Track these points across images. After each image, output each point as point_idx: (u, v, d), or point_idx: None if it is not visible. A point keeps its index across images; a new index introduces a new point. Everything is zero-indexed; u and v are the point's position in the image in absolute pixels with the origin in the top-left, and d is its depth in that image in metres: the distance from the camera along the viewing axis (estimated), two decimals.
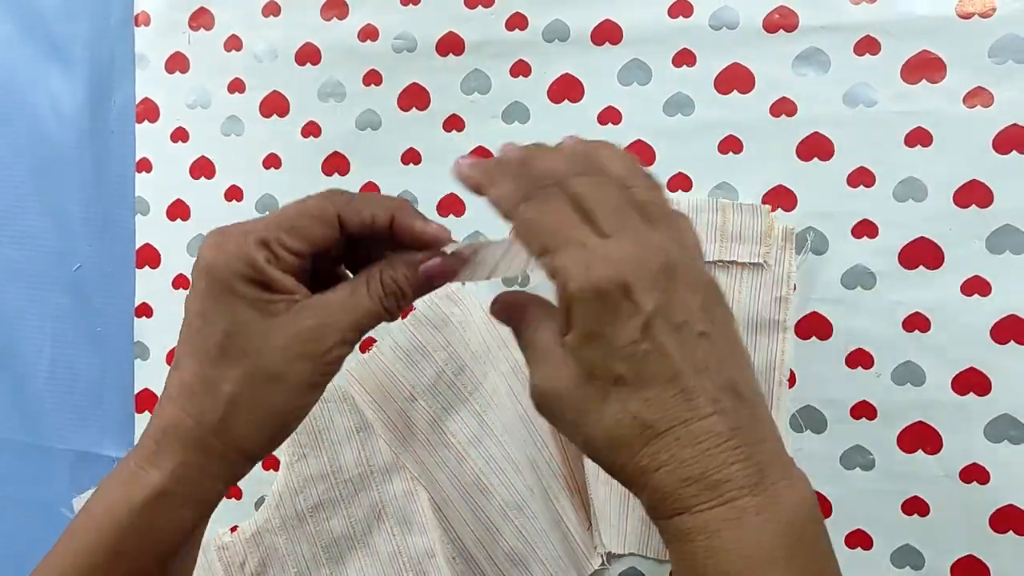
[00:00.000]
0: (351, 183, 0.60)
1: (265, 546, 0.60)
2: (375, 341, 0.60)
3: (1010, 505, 0.51)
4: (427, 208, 0.59)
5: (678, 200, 0.55)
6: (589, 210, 0.35)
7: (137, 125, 0.64)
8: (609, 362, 0.35)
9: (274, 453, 0.53)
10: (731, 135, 0.54)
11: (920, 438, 0.52)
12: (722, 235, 0.54)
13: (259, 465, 0.42)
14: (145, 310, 0.64)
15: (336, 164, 0.61)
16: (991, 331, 0.51)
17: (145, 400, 0.64)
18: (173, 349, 0.63)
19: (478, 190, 0.39)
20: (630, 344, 0.34)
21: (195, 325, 0.39)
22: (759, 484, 0.33)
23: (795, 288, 0.53)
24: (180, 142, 0.64)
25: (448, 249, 0.41)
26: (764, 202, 0.54)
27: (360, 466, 0.59)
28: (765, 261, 0.53)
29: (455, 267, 0.41)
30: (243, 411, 0.39)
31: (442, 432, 0.58)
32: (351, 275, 0.43)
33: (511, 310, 0.40)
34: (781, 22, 0.53)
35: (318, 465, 0.59)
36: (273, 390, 0.39)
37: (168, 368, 0.60)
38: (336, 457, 0.59)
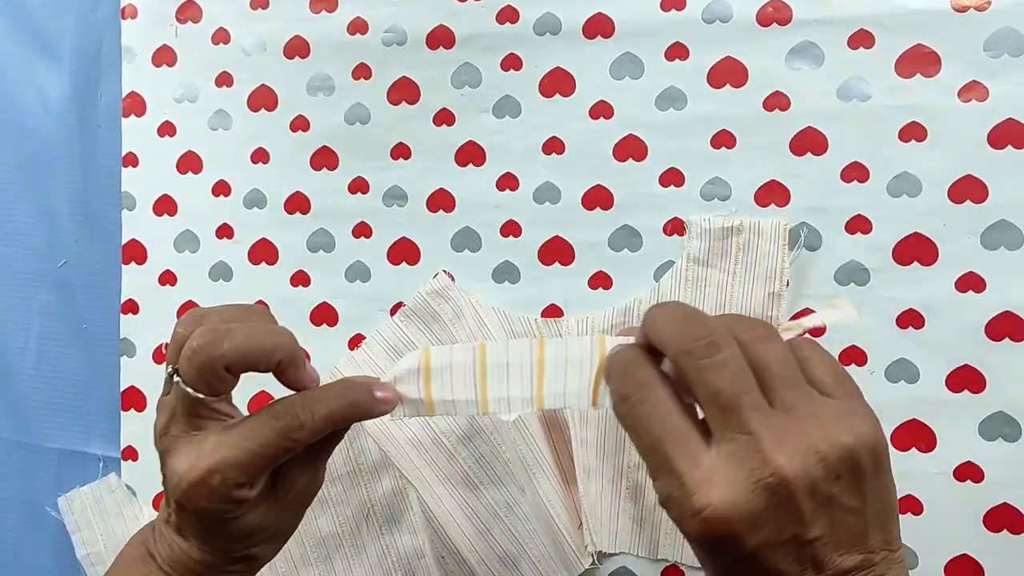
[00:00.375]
0: (340, 178, 0.60)
1: None
2: (364, 338, 0.59)
3: (1004, 504, 0.51)
4: (417, 203, 0.59)
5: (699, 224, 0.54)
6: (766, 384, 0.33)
7: (124, 119, 0.64)
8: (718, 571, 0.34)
9: None
10: (724, 129, 0.54)
11: (914, 436, 0.52)
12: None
13: None
14: (131, 306, 0.64)
15: (325, 159, 0.60)
16: (986, 328, 0.51)
17: (130, 398, 0.64)
18: (159, 346, 0.63)
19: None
20: (733, 570, 0.33)
21: (202, 536, 0.41)
22: None
23: (788, 284, 0.52)
24: (167, 136, 0.63)
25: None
26: (757, 198, 0.53)
27: (348, 464, 0.58)
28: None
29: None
30: (265, 550, 0.43)
31: (431, 430, 0.57)
32: None
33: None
34: (775, 15, 0.53)
35: None
36: (287, 532, 0.44)
37: (154, 365, 0.60)
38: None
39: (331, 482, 0.59)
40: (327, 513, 0.59)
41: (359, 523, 0.59)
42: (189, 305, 0.62)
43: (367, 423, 0.57)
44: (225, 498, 0.39)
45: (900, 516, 0.50)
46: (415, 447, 0.57)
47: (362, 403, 0.40)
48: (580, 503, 0.55)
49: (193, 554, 0.41)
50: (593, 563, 0.56)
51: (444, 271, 0.58)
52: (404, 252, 0.59)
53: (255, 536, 0.41)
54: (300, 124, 0.61)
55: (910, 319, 0.52)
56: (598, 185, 0.56)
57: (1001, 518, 0.51)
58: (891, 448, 0.51)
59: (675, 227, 0.55)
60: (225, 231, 0.62)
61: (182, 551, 0.41)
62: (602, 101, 0.56)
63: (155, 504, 0.63)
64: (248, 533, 0.41)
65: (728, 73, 0.54)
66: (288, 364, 0.40)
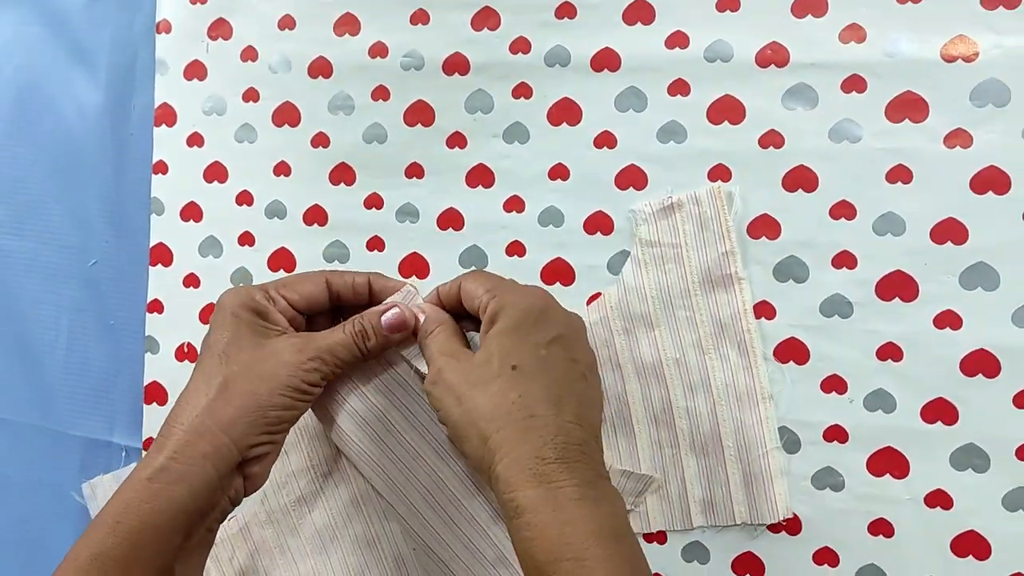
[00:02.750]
0: (356, 194, 0.63)
1: (253, 540, 0.63)
2: None
3: (971, 531, 0.53)
4: (428, 221, 0.62)
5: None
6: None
7: (155, 129, 0.67)
8: (514, 352, 0.47)
9: None
10: (720, 164, 0.56)
11: (889, 462, 0.54)
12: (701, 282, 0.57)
13: None
14: (156, 306, 0.67)
15: (343, 174, 0.63)
16: (960, 364, 0.53)
17: (153, 392, 0.67)
18: (182, 344, 0.66)
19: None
20: (535, 346, 0.48)
21: (205, 343, 0.52)
22: (595, 482, 0.44)
23: (735, 248, 0.56)
24: (195, 147, 0.66)
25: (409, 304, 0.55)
26: (749, 230, 0.56)
27: (339, 459, 0.62)
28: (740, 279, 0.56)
29: (408, 319, 0.53)
30: (231, 396, 0.49)
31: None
32: None
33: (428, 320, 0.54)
34: (773, 57, 0.55)
35: (299, 460, 0.62)
36: (258, 383, 0.49)
37: (176, 362, 0.64)
38: (315, 452, 0.62)
39: (323, 476, 0.62)
40: (320, 506, 0.62)
41: (350, 514, 0.62)
42: (211, 307, 0.65)
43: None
44: (248, 296, 0.52)
45: (872, 538, 0.54)
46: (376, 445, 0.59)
47: (381, 284, 0.56)
48: None
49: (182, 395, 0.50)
50: None
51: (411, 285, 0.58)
52: (414, 266, 0.62)
53: (240, 343, 0.51)
54: (321, 140, 0.64)
55: (889, 352, 0.54)
56: (600, 211, 0.59)
57: (967, 544, 0.53)
58: (866, 472, 0.54)
59: None
60: (247, 239, 0.65)
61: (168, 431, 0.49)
62: (606, 131, 0.58)
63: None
64: (238, 337, 0.51)
65: (727, 110, 0.56)
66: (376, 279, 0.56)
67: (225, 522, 0.63)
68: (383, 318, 0.53)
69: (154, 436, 0.65)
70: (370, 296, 0.56)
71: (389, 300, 0.55)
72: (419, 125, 0.62)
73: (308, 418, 0.62)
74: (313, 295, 0.54)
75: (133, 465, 0.67)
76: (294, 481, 0.63)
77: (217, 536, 0.63)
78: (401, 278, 0.61)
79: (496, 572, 0.59)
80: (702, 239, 0.56)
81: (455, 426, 0.48)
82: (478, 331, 0.52)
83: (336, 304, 0.56)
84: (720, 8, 0.56)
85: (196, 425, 0.48)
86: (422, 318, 0.54)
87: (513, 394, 0.46)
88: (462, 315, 0.54)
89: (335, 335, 0.52)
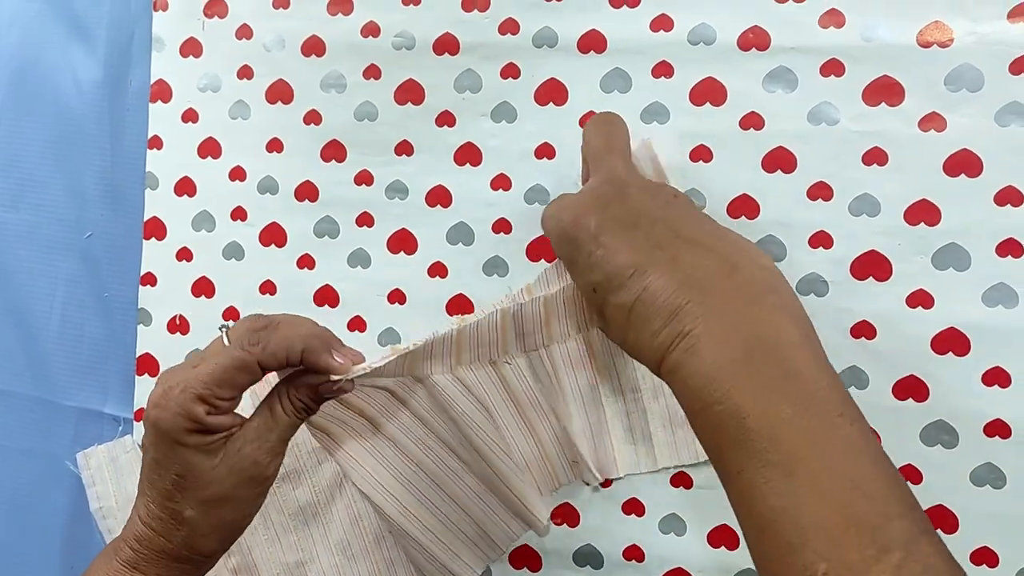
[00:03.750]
0: (347, 170, 0.64)
1: None
2: (363, 320, 0.64)
3: (940, 505, 0.55)
4: (416, 197, 0.63)
5: None
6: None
7: (151, 105, 0.68)
8: (584, 278, 0.46)
9: None
10: (702, 144, 0.58)
11: None
12: None
13: None
14: (150, 279, 0.68)
15: (334, 151, 0.64)
16: (931, 342, 0.54)
17: (145, 364, 0.69)
18: (174, 317, 0.67)
19: None
20: (588, 256, 0.45)
21: (152, 468, 0.47)
22: (704, 306, 0.40)
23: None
24: (190, 123, 0.68)
25: (350, 374, 0.48)
26: (729, 210, 0.57)
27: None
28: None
29: (347, 389, 0.50)
30: (202, 528, 0.47)
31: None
32: None
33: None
34: (754, 41, 0.57)
35: None
36: (225, 510, 0.47)
37: (167, 334, 0.65)
38: (299, 430, 0.63)
39: (308, 454, 0.63)
40: (304, 484, 0.64)
41: (333, 492, 0.64)
42: (203, 280, 0.67)
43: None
44: (186, 412, 0.44)
45: None
46: (347, 427, 0.60)
47: (314, 350, 0.47)
48: (573, 440, 0.59)
49: (139, 511, 0.48)
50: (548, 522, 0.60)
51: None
52: (403, 242, 0.63)
53: (202, 489, 0.46)
54: (313, 118, 0.65)
55: (863, 330, 0.55)
56: None
57: (936, 518, 0.55)
58: None
59: None
60: (239, 214, 0.67)
61: (134, 514, 0.48)
62: (592, 112, 0.60)
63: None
64: (190, 473, 0.46)
65: (709, 92, 0.58)
66: (309, 356, 0.47)
67: None
68: (323, 390, 0.49)
69: (145, 407, 0.68)
70: (300, 363, 0.48)
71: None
72: (409, 104, 0.63)
73: None
74: (247, 382, 0.47)
75: (127, 438, 0.69)
76: None
77: None
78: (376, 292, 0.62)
79: (476, 549, 0.61)
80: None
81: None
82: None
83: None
84: None
85: (178, 555, 0.48)
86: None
87: (609, 310, 0.45)
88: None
89: (277, 421, 0.48)
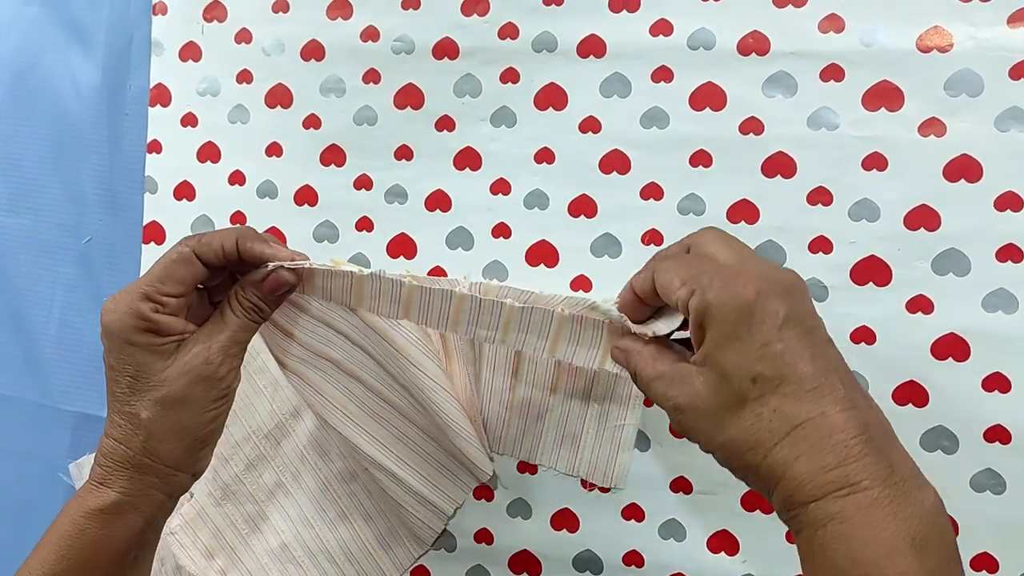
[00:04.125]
0: (346, 175, 0.64)
1: (212, 520, 0.65)
2: None
3: None
4: (416, 201, 0.63)
5: None
6: (710, 251, 0.44)
7: (150, 109, 0.68)
8: (748, 363, 0.39)
9: None
10: (702, 149, 0.58)
11: None
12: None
13: None
14: None
15: (333, 156, 0.64)
16: (931, 347, 0.54)
17: None
18: None
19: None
20: (764, 345, 0.39)
21: (110, 376, 0.48)
22: (890, 478, 0.37)
23: None
24: (189, 127, 0.67)
25: (295, 265, 0.49)
26: (728, 215, 0.57)
27: (274, 418, 0.64)
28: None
29: (290, 279, 0.49)
30: (160, 432, 0.47)
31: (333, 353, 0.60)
32: None
33: (627, 355, 0.46)
34: (754, 46, 0.57)
35: (240, 430, 0.65)
36: (180, 411, 0.47)
37: None
38: (252, 418, 0.64)
39: (264, 437, 0.64)
40: (269, 467, 0.65)
41: (297, 467, 0.65)
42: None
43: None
44: (133, 310, 0.46)
45: None
46: (319, 373, 0.60)
47: (248, 237, 0.48)
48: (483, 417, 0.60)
49: (106, 426, 0.48)
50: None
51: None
52: (402, 246, 0.63)
53: (155, 389, 0.47)
54: (312, 122, 0.65)
55: (863, 335, 0.55)
56: (584, 195, 0.60)
57: None
58: None
59: (652, 238, 0.59)
60: (239, 218, 0.66)
61: (103, 435, 0.48)
62: (591, 117, 0.60)
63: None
64: (143, 373, 0.47)
65: (708, 97, 0.58)
66: (244, 241, 0.48)
67: (180, 508, 0.65)
68: (265, 284, 0.49)
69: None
70: (239, 257, 0.49)
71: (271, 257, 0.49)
72: (409, 108, 0.63)
73: (240, 389, 0.63)
74: (192, 277, 0.48)
75: None
76: (239, 450, 0.65)
77: (176, 524, 0.65)
78: (389, 257, 0.64)
79: (454, 478, 0.61)
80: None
81: (721, 461, 0.42)
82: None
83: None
84: None
85: (138, 464, 0.47)
86: (620, 356, 0.47)
87: (767, 411, 0.39)
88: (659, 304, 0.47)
89: (227, 322, 0.49)
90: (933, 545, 0.37)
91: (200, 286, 0.50)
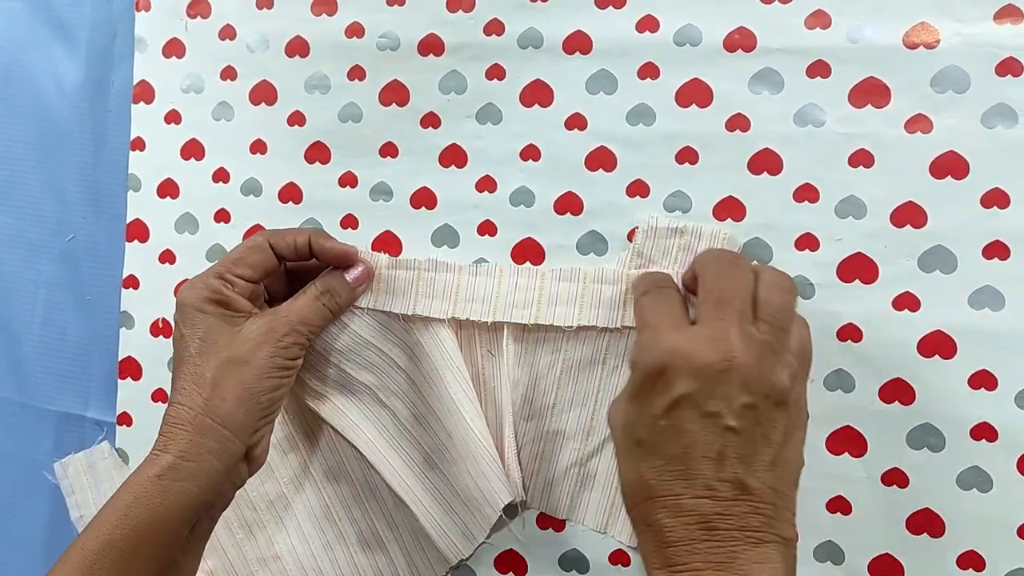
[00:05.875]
0: (331, 172, 0.64)
1: None
2: None
3: (926, 509, 0.54)
4: (401, 200, 0.62)
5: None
6: (705, 292, 0.46)
7: (133, 106, 0.68)
8: (637, 425, 0.44)
9: None
10: (688, 146, 0.57)
11: (847, 441, 0.55)
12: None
13: None
14: (132, 282, 0.68)
15: (318, 153, 0.64)
16: (918, 345, 0.54)
17: (128, 367, 0.68)
18: (157, 320, 0.67)
19: None
20: (653, 417, 0.43)
21: (179, 347, 0.53)
22: (725, 563, 0.40)
23: None
24: (173, 124, 0.67)
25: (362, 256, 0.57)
26: (715, 212, 0.57)
27: (283, 429, 0.64)
28: None
29: (372, 270, 0.58)
30: (223, 390, 0.50)
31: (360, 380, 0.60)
32: None
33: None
34: (740, 42, 0.56)
35: None
36: (243, 371, 0.51)
37: (151, 337, 0.65)
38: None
39: (272, 446, 0.63)
40: (272, 478, 0.64)
41: (300, 481, 0.64)
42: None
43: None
44: (206, 285, 0.53)
45: (830, 515, 0.55)
46: (347, 395, 0.61)
47: (319, 235, 0.57)
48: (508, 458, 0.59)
49: (172, 395, 0.52)
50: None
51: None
52: (387, 244, 0.63)
53: (223, 350, 0.52)
54: (297, 119, 0.64)
55: (849, 333, 0.55)
56: (570, 192, 0.59)
57: (923, 522, 0.55)
58: (825, 451, 0.55)
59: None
60: (223, 216, 0.66)
61: (169, 406, 0.51)
62: (577, 113, 0.59)
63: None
64: (211, 335, 0.52)
65: (695, 94, 0.57)
66: (316, 238, 0.56)
67: None
68: (349, 276, 0.56)
69: (128, 411, 0.67)
70: (311, 253, 0.56)
71: (342, 252, 0.57)
72: (394, 105, 0.63)
73: None
74: (264, 264, 0.55)
75: (104, 444, 0.68)
76: None
77: None
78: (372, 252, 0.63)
79: (464, 528, 0.60)
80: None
81: None
82: None
83: (290, 262, 0.58)
84: None
85: (199, 424, 0.49)
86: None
87: (635, 473, 0.44)
88: None
89: (302, 304, 0.54)
90: None
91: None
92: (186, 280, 0.54)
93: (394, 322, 0.59)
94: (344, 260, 0.57)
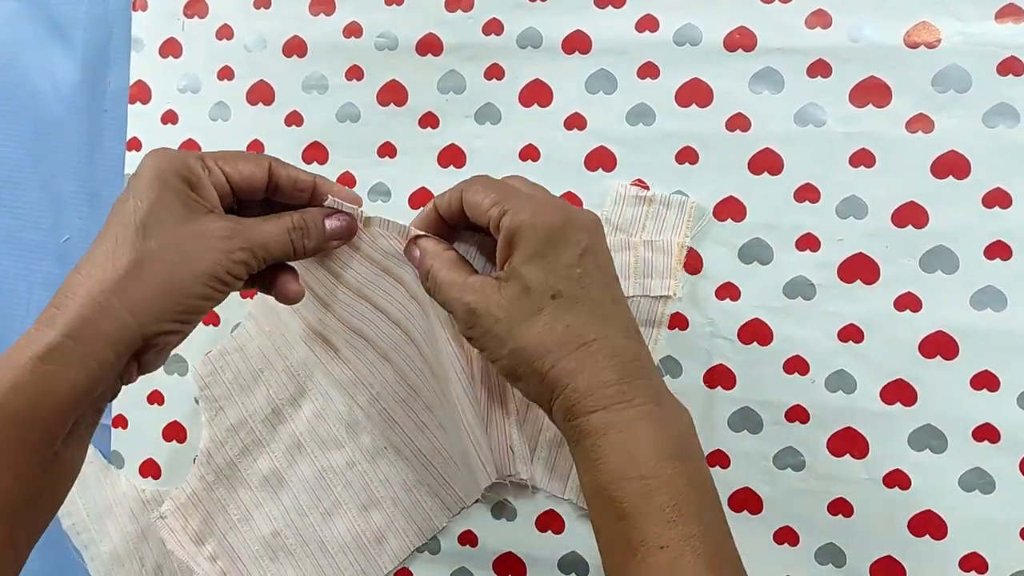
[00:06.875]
0: (329, 172, 0.63)
1: (203, 504, 0.64)
2: None
3: (928, 511, 0.54)
4: (399, 200, 0.62)
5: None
6: (516, 184, 0.49)
7: (130, 106, 0.67)
8: (550, 280, 0.44)
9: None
10: (688, 146, 0.57)
11: (848, 443, 0.55)
12: (635, 272, 0.57)
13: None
14: None
15: (316, 153, 0.64)
16: (919, 345, 0.54)
17: None
18: None
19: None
20: (568, 267, 0.45)
21: (119, 207, 0.45)
22: (657, 398, 0.43)
23: (679, 266, 0.57)
24: (170, 124, 0.66)
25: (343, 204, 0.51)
26: (715, 213, 0.57)
27: (271, 403, 0.63)
28: (675, 294, 0.57)
29: (354, 230, 0.51)
30: (144, 275, 0.43)
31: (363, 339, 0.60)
32: None
33: (423, 255, 0.50)
34: (740, 41, 0.56)
35: (236, 413, 0.63)
36: (178, 265, 0.44)
37: None
38: (248, 402, 0.63)
39: (261, 422, 0.63)
40: (264, 453, 0.64)
41: (293, 454, 0.63)
42: None
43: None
44: (183, 160, 0.46)
45: (832, 517, 0.54)
46: (350, 349, 0.61)
47: (322, 189, 0.51)
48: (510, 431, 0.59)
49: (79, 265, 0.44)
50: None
51: None
52: None
53: (168, 231, 0.44)
54: (294, 119, 0.64)
55: (850, 333, 0.55)
56: (569, 192, 0.59)
57: (925, 524, 0.54)
58: (826, 452, 0.55)
59: None
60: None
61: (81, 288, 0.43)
62: (577, 113, 0.59)
63: (142, 470, 0.67)
64: (167, 217, 0.45)
65: (695, 93, 0.57)
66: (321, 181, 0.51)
67: (170, 493, 0.64)
68: (329, 223, 0.50)
69: (123, 413, 0.67)
70: (312, 197, 0.50)
71: (334, 203, 0.51)
72: (392, 105, 0.62)
73: (237, 372, 0.64)
74: (253, 176, 0.48)
75: (88, 449, 0.68)
76: (235, 435, 0.64)
77: (166, 508, 0.63)
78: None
79: (467, 479, 0.60)
80: (653, 245, 0.57)
81: (506, 368, 0.46)
82: (481, 241, 0.52)
83: (271, 196, 0.50)
84: None
85: (100, 301, 0.42)
86: (416, 253, 0.51)
87: (560, 325, 0.44)
88: (462, 227, 0.52)
89: (269, 227, 0.48)
90: (691, 455, 0.43)
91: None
92: (162, 148, 0.47)
93: (384, 279, 0.56)
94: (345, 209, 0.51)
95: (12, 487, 0.41)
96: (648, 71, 0.58)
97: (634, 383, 0.43)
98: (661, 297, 0.57)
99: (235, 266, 0.46)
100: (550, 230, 0.45)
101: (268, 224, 0.48)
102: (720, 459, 0.57)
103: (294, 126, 0.64)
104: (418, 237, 0.51)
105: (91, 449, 0.67)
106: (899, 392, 0.54)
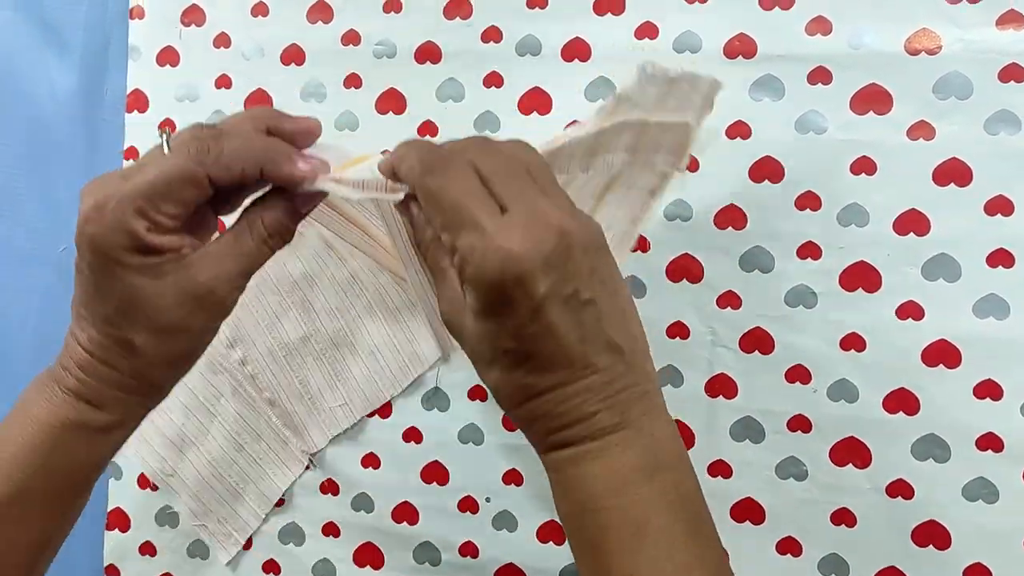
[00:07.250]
0: None
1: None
2: None
3: (932, 521, 0.54)
4: None
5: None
6: (487, 178, 0.38)
7: (127, 114, 0.67)
8: (500, 338, 0.38)
9: None
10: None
11: (851, 452, 0.55)
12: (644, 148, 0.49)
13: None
14: None
15: None
16: (922, 354, 0.53)
17: None
18: None
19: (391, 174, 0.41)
20: (518, 327, 0.37)
21: (90, 293, 0.41)
22: (619, 424, 0.39)
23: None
24: None
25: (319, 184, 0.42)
26: (716, 221, 0.56)
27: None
28: (680, 170, 0.50)
29: (322, 197, 0.44)
30: (156, 359, 0.42)
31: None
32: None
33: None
34: (740, 48, 0.56)
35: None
36: (177, 339, 0.42)
37: None
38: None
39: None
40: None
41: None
42: None
43: None
44: (124, 227, 0.38)
45: (835, 528, 0.54)
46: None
47: (274, 161, 0.41)
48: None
49: (79, 338, 0.43)
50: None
51: None
52: None
53: (151, 317, 0.41)
54: None
55: (852, 342, 0.54)
56: None
57: (928, 534, 0.54)
58: (829, 462, 0.54)
59: (639, 244, 0.58)
60: (219, 227, 0.65)
61: (72, 340, 0.43)
62: (576, 121, 0.59)
63: (139, 483, 0.67)
64: (136, 298, 0.40)
65: None
66: (272, 163, 0.41)
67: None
68: (299, 200, 0.44)
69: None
70: (261, 177, 0.42)
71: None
72: (391, 113, 0.62)
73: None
74: (195, 198, 0.40)
75: None
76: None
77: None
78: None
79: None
80: (668, 125, 0.48)
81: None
82: None
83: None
84: (689, 0, 0.57)
85: (126, 385, 0.43)
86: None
87: (509, 380, 0.39)
88: None
89: (242, 248, 0.42)
90: (662, 469, 0.39)
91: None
92: (95, 200, 0.40)
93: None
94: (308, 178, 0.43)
95: (38, 536, 0.45)
96: None
97: (589, 421, 0.39)
98: (663, 171, 0.50)
99: (231, 306, 0.43)
100: (498, 288, 0.36)
101: (239, 243, 0.43)
102: (722, 469, 0.57)
103: None
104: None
105: None
106: (902, 401, 0.54)
